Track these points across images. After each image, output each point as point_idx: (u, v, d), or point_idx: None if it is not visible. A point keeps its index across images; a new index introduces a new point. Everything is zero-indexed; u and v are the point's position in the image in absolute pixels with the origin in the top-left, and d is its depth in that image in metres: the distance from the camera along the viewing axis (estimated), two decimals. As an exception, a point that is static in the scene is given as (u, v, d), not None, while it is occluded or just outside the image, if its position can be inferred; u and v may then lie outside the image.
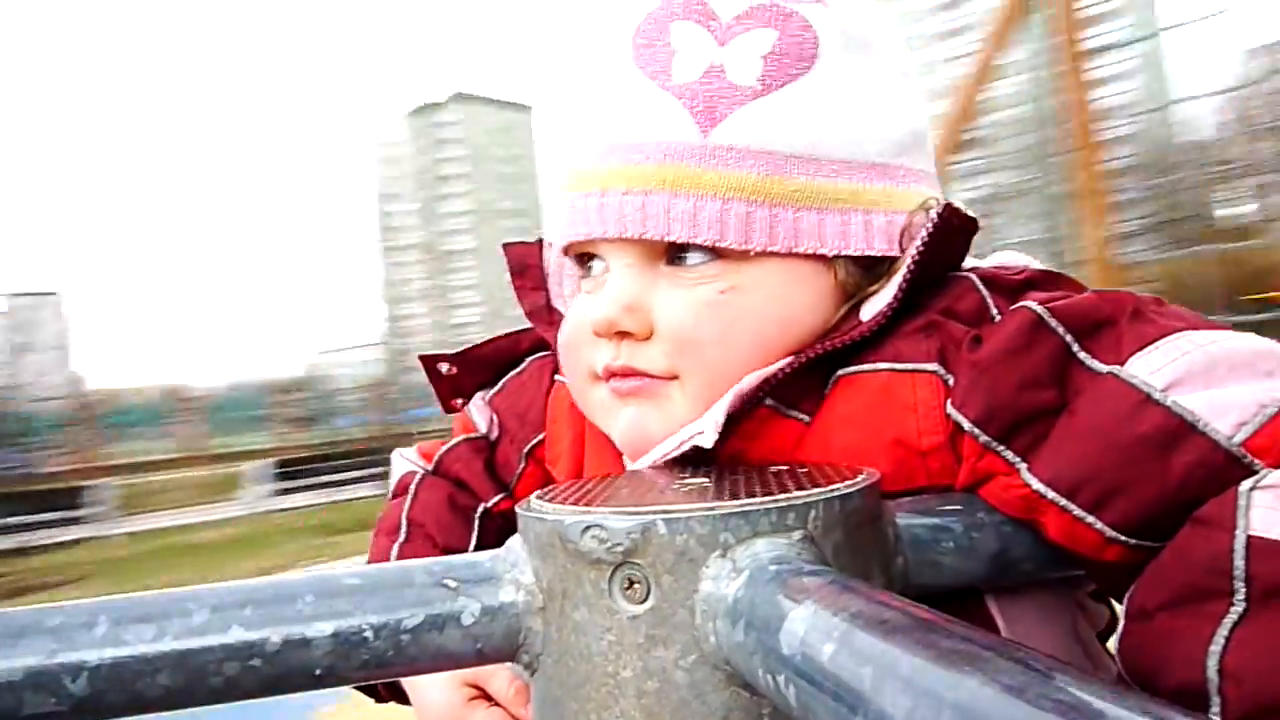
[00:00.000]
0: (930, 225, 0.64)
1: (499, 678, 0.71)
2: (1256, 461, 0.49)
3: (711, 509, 0.46)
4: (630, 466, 0.69)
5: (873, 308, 0.65)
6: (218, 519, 16.60)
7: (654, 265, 0.66)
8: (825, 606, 0.37)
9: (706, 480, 0.55)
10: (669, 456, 0.64)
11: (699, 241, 0.63)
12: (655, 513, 0.46)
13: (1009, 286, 0.64)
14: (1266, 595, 0.46)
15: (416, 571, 0.50)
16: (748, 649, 0.41)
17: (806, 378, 0.64)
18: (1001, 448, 0.57)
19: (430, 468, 0.88)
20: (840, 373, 0.64)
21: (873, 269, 0.67)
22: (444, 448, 0.88)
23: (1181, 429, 0.51)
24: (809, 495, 0.48)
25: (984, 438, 0.57)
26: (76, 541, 14.83)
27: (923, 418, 0.60)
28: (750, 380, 0.63)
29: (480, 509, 0.83)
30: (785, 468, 0.58)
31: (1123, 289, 0.63)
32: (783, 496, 0.47)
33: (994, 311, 0.63)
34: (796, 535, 0.46)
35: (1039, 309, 0.58)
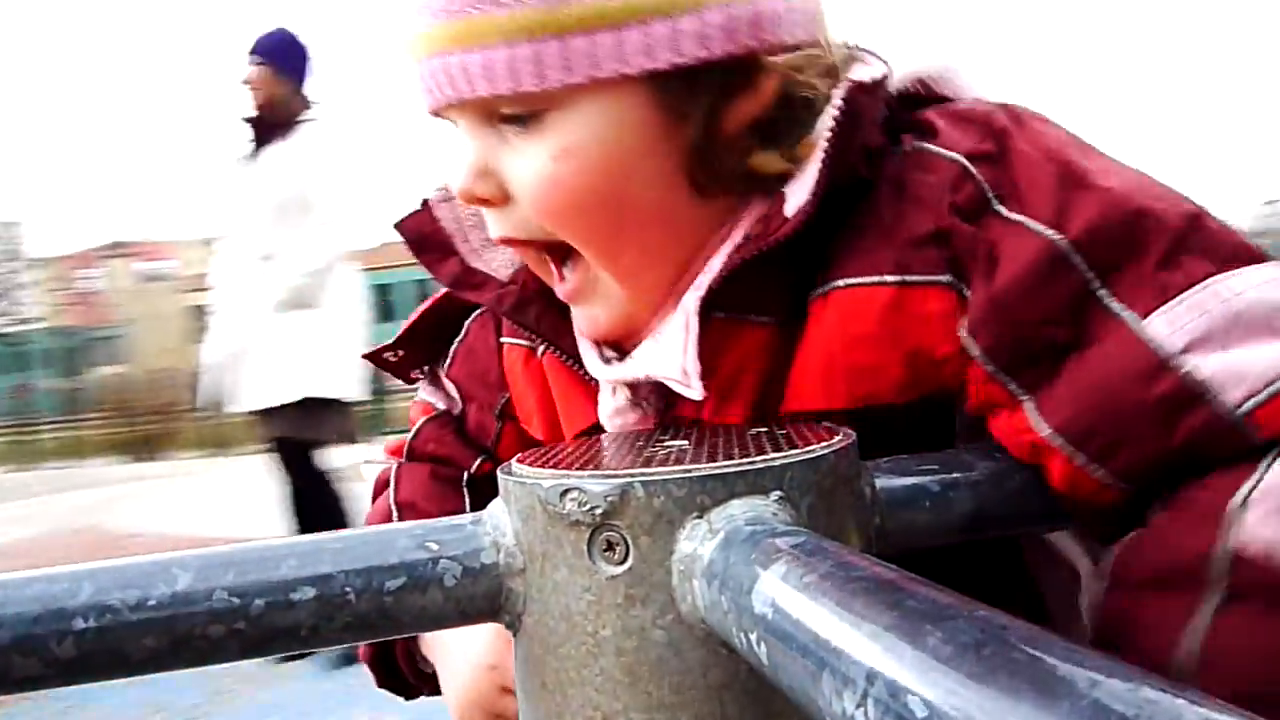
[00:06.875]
0: (838, 109, 0.60)
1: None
2: (1252, 433, 0.51)
3: (688, 471, 0.47)
4: (602, 391, 0.70)
5: (795, 199, 0.61)
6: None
7: (493, 125, 0.63)
8: (796, 567, 0.37)
9: (686, 442, 0.56)
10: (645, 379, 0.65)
11: (500, 93, 0.59)
12: (633, 475, 0.47)
13: (995, 156, 0.60)
14: (1242, 595, 0.49)
15: (399, 535, 0.50)
16: (722, 608, 0.42)
17: (756, 278, 0.62)
18: (1007, 379, 0.57)
19: (403, 459, 0.87)
20: (837, 284, 0.62)
21: (722, 78, 0.61)
22: (410, 436, 0.87)
23: (1193, 395, 0.52)
24: (785, 457, 0.48)
25: (990, 367, 0.57)
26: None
27: (937, 328, 0.59)
28: (693, 300, 0.62)
29: (464, 477, 0.83)
30: (765, 429, 0.59)
31: (1164, 189, 0.58)
32: (759, 459, 0.48)
33: (992, 198, 0.59)
34: (772, 497, 0.47)
35: (1063, 243, 0.55)
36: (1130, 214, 0.56)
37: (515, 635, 0.52)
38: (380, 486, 0.86)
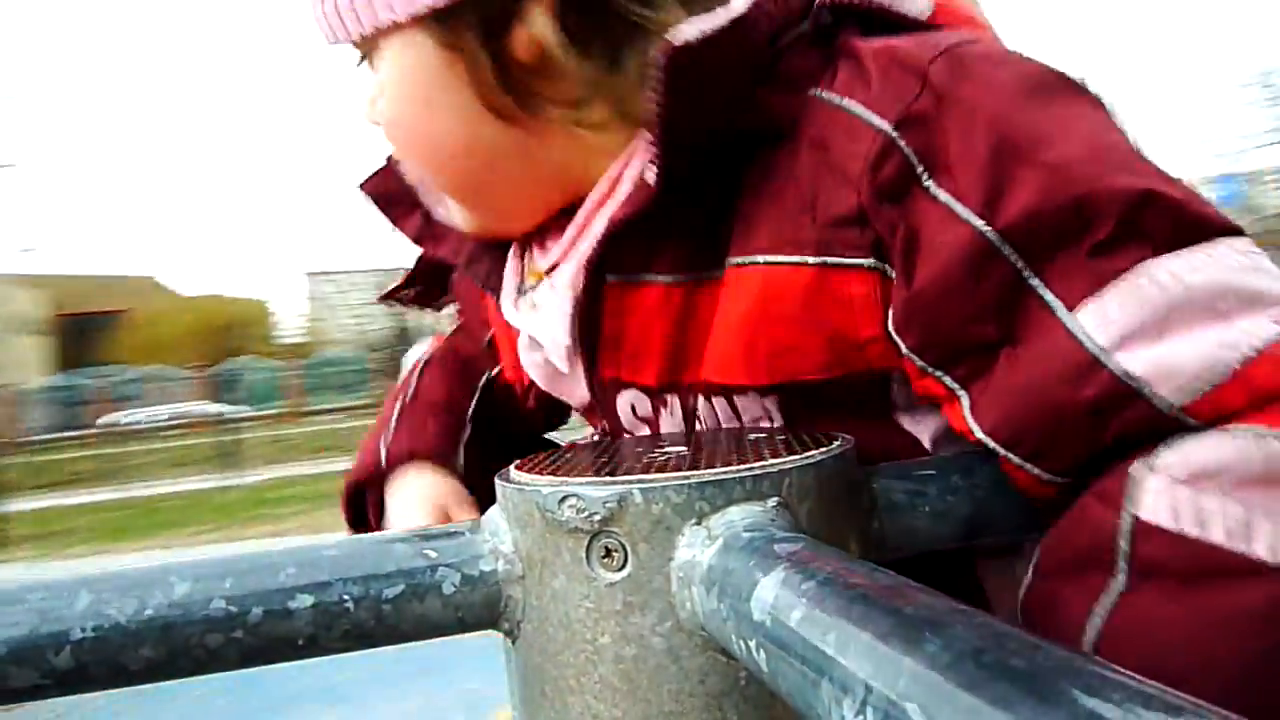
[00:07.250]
0: (658, 80, 0.55)
1: (464, 509, 0.75)
2: (1191, 420, 0.49)
3: (687, 478, 0.47)
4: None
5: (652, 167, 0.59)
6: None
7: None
8: (795, 573, 0.37)
9: (685, 448, 0.56)
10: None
11: (340, 40, 0.67)
12: (631, 482, 0.47)
13: (931, 117, 0.54)
14: (1146, 573, 0.48)
15: (397, 542, 0.50)
16: (721, 615, 0.41)
17: (647, 237, 0.62)
18: (940, 374, 0.55)
19: (443, 348, 0.92)
20: (757, 260, 0.59)
21: (484, 9, 0.62)
22: (449, 333, 0.93)
23: (1126, 393, 0.49)
24: (784, 462, 0.48)
25: (921, 363, 0.55)
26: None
27: (859, 312, 0.57)
28: (575, 266, 0.64)
29: (484, 379, 0.87)
30: (764, 434, 0.58)
31: (1121, 154, 0.53)
32: (758, 464, 0.48)
33: (920, 173, 0.54)
34: (771, 502, 0.47)
35: (991, 234, 0.51)
36: (1073, 196, 0.50)
37: (514, 643, 0.52)
38: (413, 368, 0.91)
